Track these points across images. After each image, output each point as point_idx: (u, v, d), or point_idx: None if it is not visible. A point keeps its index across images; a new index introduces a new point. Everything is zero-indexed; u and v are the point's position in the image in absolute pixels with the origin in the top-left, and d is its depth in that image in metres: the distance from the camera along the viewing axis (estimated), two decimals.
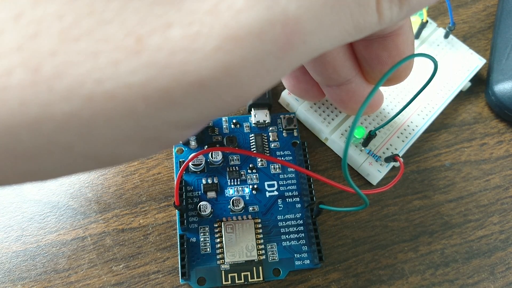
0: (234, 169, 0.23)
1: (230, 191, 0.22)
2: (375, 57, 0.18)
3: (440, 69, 0.26)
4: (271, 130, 0.24)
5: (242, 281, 0.20)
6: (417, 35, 0.27)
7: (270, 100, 0.24)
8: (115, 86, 0.09)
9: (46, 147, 0.10)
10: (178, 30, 0.09)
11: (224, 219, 0.22)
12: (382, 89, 0.24)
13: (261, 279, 0.20)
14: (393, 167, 0.23)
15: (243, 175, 0.23)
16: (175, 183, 0.22)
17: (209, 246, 0.21)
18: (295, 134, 0.24)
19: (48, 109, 0.09)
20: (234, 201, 0.22)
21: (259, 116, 0.24)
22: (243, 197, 0.22)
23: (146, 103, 0.10)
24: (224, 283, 0.20)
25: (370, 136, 0.22)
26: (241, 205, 0.22)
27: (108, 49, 0.09)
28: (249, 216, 0.22)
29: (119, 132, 0.10)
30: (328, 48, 0.12)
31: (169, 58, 0.09)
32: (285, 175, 0.23)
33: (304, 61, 0.12)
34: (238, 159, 0.23)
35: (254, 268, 0.21)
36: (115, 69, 0.09)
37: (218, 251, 0.21)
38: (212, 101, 0.10)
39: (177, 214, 0.21)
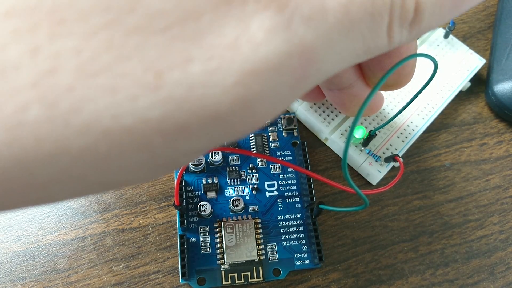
0: (234, 169, 0.23)
1: (230, 191, 0.22)
2: (377, 63, 0.18)
3: (440, 69, 0.26)
4: (271, 130, 0.24)
5: (242, 281, 0.20)
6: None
7: None
8: (132, 121, 0.09)
9: (59, 179, 0.10)
10: (198, 65, 0.09)
11: (224, 219, 0.22)
12: (386, 91, 0.24)
13: (261, 279, 0.20)
14: (393, 167, 0.23)
15: (243, 175, 0.23)
16: (175, 183, 0.22)
17: (209, 246, 0.21)
18: (295, 134, 0.24)
19: (64, 144, 0.09)
20: (234, 201, 0.22)
21: None
22: (243, 197, 0.22)
23: (163, 136, 0.10)
24: (224, 283, 0.20)
25: (370, 136, 0.22)
26: (241, 205, 0.22)
27: (127, 85, 0.09)
28: (249, 216, 0.22)
29: (133, 163, 0.10)
30: (337, 71, 0.12)
31: (188, 93, 0.09)
32: (285, 175, 0.23)
33: (315, 85, 0.12)
34: (238, 159, 0.23)
35: (254, 268, 0.21)
36: (133, 105, 0.09)
37: (218, 251, 0.21)
38: (226, 131, 0.10)
39: (177, 214, 0.21)
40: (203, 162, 0.22)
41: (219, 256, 0.21)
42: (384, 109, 0.25)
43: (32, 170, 0.09)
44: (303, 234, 0.22)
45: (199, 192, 0.22)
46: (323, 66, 0.11)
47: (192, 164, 0.22)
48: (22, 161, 0.09)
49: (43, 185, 0.10)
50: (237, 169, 0.23)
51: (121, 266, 0.21)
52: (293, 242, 0.21)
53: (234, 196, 0.22)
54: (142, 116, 0.09)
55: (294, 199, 0.22)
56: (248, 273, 0.20)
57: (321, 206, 0.20)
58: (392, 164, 0.23)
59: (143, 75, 0.09)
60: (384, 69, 0.18)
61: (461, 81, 0.26)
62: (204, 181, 0.22)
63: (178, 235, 0.21)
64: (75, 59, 0.09)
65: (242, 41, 0.09)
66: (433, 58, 0.16)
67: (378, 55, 0.17)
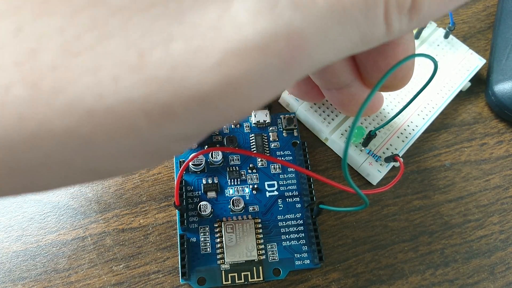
0: (234, 169, 0.23)
1: (230, 191, 0.22)
2: (373, 64, 0.18)
3: (440, 69, 0.26)
4: (271, 130, 0.24)
5: (242, 281, 0.20)
6: (417, 35, 0.27)
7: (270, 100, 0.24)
8: (115, 101, 0.09)
9: (44, 162, 0.10)
10: (180, 44, 0.09)
11: (224, 219, 0.22)
12: (384, 92, 0.24)
13: (261, 279, 0.20)
14: (393, 167, 0.23)
15: (243, 175, 0.23)
16: (175, 183, 0.22)
17: (209, 246, 0.21)
18: (295, 134, 0.24)
19: (47, 125, 0.09)
20: (234, 201, 0.22)
21: (259, 116, 0.24)
22: (243, 197, 0.22)
23: (147, 118, 0.09)
24: (224, 283, 0.20)
25: (370, 136, 0.22)
26: (241, 205, 0.22)
27: (110, 64, 0.09)
28: (249, 216, 0.22)
29: (119, 148, 0.10)
30: (333, 60, 0.11)
31: (170, 72, 0.09)
32: (285, 175, 0.23)
33: (308, 73, 0.11)
34: (238, 159, 0.23)
35: (254, 268, 0.21)
36: (116, 84, 0.09)
37: (218, 251, 0.21)
38: (213, 115, 0.10)
39: (177, 214, 0.21)
40: (203, 162, 0.22)
41: (219, 256, 0.21)
42: (384, 109, 0.25)
43: (16, 152, 0.09)
44: (303, 234, 0.22)
45: (199, 192, 0.22)
46: (316, 53, 0.10)
47: (192, 164, 0.22)
48: (5, 141, 0.09)
49: (29, 170, 0.10)
50: (237, 169, 0.23)
51: (121, 266, 0.21)
52: (293, 242, 0.21)
53: (234, 196, 0.22)
54: (125, 96, 0.09)
55: (294, 199, 0.22)
56: (248, 273, 0.20)
57: (321, 206, 0.20)
58: (392, 164, 0.23)
59: (126, 54, 0.09)
60: (380, 69, 0.18)
61: (461, 81, 0.26)
62: (204, 181, 0.22)
63: (178, 235, 0.21)
64: (58, 39, 0.09)
65: (225, 21, 0.09)
66: (433, 58, 0.16)
67: (378, 48, 0.17)
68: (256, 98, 0.11)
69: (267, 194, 0.23)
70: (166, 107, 0.09)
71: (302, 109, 0.24)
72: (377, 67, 0.18)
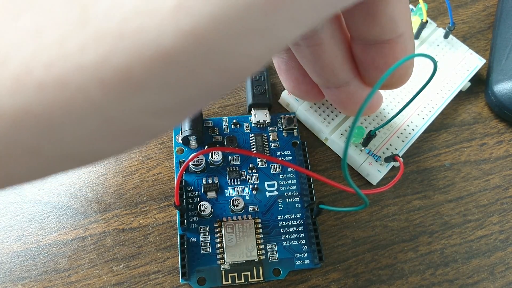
0: (234, 169, 0.23)
1: (230, 191, 0.22)
2: (371, 62, 0.18)
3: (440, 69, 0.26)
4: (271, 130, 0.24)
5: (242, 281, 0.20)
6: (417, 35, 0.27)
7: (270, 100, 0.24)
8: (65, 70, 0.08)
9: (7, 151, 0.08)
10: None
11: (224, 219, 0.22)
12: (382, 90, 0.24)
13: (261, 279, 0.20)
14: (393, 167, 0.23)
15: (243, 175, 0.23)
16: (175, 183, 0.22)
17: (209, 246, 0.21)
18: (295, 134, 0.24)
19: None
20: (234, 201, 0.22)
21: (259, 116, 0.24)
22: (243, 197, 0.22)
23: (104, 88, 0.08)
24: (224, 283, 0.20)
25: (370, 136, 0.22)
26: (241, 205, 0.22)
27: (52, 23, 0.08)
28: (249, 216, 0.22)
29: (84, 127, 0.08)
30: (315, 20, 0.10)
31: (121, 26, 0.08)
32: (285, 175, 0.23)
33: (293, 36, 0.10)
34: (238, 159, 0.23)
35: (254, 268, 0.21)
36: (62, 47, 0.08)
37: (218, 251, 0.21)
38: (187, 79, 0.08)
39: (177, 214, 0.21)
40: (203, 162, 0.23)
41: (219, 256, 0.21)
42: (384, 109, 0.25)
43: None
44: (303, 234, 0.22)
45: (199, 192, 0.22)
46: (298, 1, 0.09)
47: (192, 164, 0.22)
48: None
49: None
50: (237, 169, 0.23)
51: (121, 266, 0.21)
52: (293, 242, 0.21)
53: (234, 196, 0.22)
54: (73, 62, 0.08)
55: (294, 199, 0.23)
56: (248, 273, 0.21)
57: (321, 206, 0.20)
58: (392, 164, 0.23)
59: (69, 10, 0.08)
60: (378, 68, 0.18)
61: (461, 81, 0.26)
62: (204, 181, 0.22)
63: (178, 235, 0.21)
64: None
65: None
66: (433, 58, 0.16)
67: (376, 47, 0.16)
68: (239, 54, 0.08)
69: (267, 194, 0.23)
70: (123, 73, 0.08)
71: (302, 109, 0.24)
72: (375, 65, 0.18)
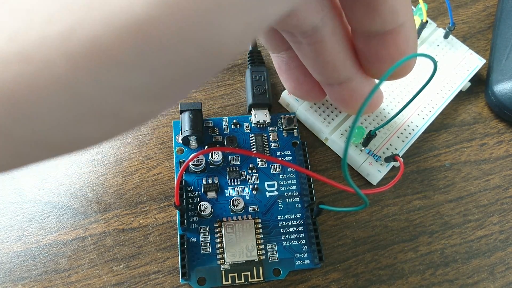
0: (234, 169, 0.23)
1: (230, 191, 0.22)
2: (374, 54, 0.18)
3: (440, 69, 0.26)
4: (271, 130, 0.24)
5: (242, 281, 0.20)
6: (417, 35, 0.27)
7: (270, 100, 0.24)
8: (28, 43, 0.07)
9: None
10: None
11: (224, 219, 0.22)
12: (382, 89, 0.24)
13: (261, 279, 0.20)
14: (393, 167, 0.23)
15: (243, 175, 0.23)
16: (175, 183, 0.22)
17: (209, 246, 0.21)
18: (295, 134, 0.24)
19: None
20: (234, 201, 0.22)
21: (259, 116, 0.24)
22: (243, 197, 0.22)
23: (71, 62, 0.07)
24: (224, 283, 0.20)
25: (370, 136, 0.22)
26: (241, 205, 0.22)
27: None
28: (249, 216, 0.22)
29: (55, 108, 0.08)
30: None
31: None
32: (285, 175, 0.23)
33: (275, 14, 0.09)
34: (238, 159, 0.23)
35: (254, 268, 0.21)
36: (28, 19, 0.07)
37: (218, 251, 0.21)
38: (164, 54, 0.08)
39: (177, 214, 0.21)
40: (203, 162, 0.23)
41: (219, 256, 0.21)
42: (384, 109, 0.25)
43: None
44: (303, 234, 0.22)
45: (199, 192, 0.22)
46: None
47: (192, 164, 0.22)
48: None
49: None
50: (237, 169, 0.23)
51: (121, 266, 0.21)
52: (293, 242, 0.21)
53: (234, 196, 0.22)
54: (39, 35, 0.07)
55: (294, 199, 0.23)
56: (248, 273, 0.21)
57: (321, 206, 0.20)
58: (392, 164, 0.23)
59: None
60: (381, 59, 0.18)
61: (461, 81, 0.26)
62: (204, 181, 0.22)
63: (178, 235, 0.21)
64: None
65: None
66: (433, 58, 0.16)
67: (379, 37, 0.16)
68: (218, 29, 0.08)
69: (267, 194, 0.23)
70: (91, 45, 0.07)
71: (302, 109, 0.24)
72: (378, 57, 0.18)
